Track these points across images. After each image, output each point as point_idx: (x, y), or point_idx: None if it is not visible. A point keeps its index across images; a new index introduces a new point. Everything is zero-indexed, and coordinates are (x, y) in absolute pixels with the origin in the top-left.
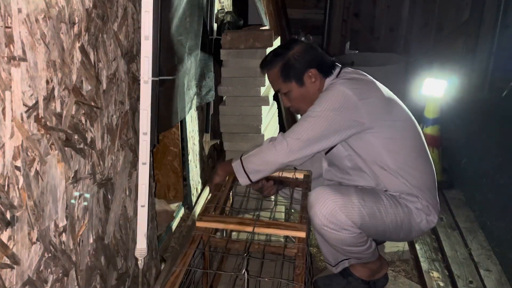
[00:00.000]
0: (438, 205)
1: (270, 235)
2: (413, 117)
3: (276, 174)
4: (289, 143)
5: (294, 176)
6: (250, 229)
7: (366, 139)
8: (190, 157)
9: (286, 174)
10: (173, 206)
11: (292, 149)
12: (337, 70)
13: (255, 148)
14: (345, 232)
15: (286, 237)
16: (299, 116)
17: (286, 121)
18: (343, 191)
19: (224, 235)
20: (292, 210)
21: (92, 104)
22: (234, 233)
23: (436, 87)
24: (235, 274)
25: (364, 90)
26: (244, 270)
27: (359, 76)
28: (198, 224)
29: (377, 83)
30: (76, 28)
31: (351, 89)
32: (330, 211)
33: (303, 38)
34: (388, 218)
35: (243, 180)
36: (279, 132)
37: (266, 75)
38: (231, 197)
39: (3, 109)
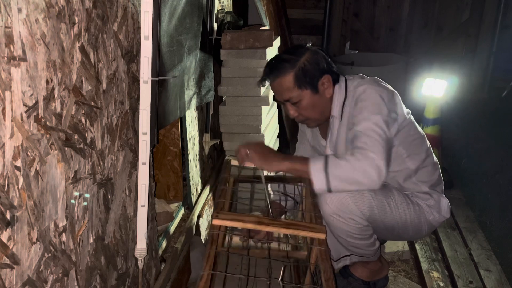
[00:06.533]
0: (447, 200)
1: (279, 235)
2: None
3: None
4: (379, 167)
5: None
6: (269, 229)
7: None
8: (190, 157)
9: None
10: (173, 206)
11: (382, 169)
12: (343, 78)
13: (342, 163)
14: (352, 222)
15: (287, 237)
16: (305, 129)
17: (286, 121)
18: None
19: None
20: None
21: (92, 104)
22: (237, 232)
23: (436, 87)
24: (267, 280)
25: (387, 90)
26: (280, 277)
27: (364, 77)
28: (215, 222)
29: None
30: (76, 28)
31: (379, 89)
32: (340, 199)
33: (309, 44)
34: (398, 214)
35: (321, 189)
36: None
37: (271, 83)
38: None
39: (3, 109)
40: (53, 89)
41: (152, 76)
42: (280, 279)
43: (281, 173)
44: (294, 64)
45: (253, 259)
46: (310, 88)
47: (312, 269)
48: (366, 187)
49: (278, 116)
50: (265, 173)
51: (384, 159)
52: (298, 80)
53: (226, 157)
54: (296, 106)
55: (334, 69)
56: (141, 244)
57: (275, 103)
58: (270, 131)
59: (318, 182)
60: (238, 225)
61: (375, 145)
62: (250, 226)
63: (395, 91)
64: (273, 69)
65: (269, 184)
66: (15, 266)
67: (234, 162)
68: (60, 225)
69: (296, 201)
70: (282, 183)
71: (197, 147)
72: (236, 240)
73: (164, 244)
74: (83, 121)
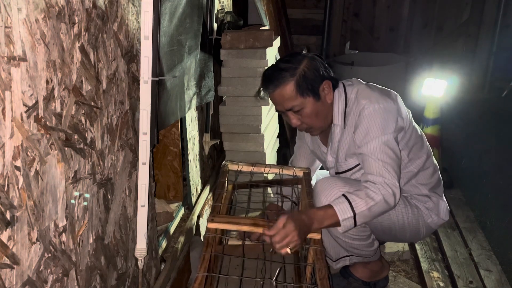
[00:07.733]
0: (446, 203)
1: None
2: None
3: (277, 170)
4: (395, 192)
5: (294, 173)
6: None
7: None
8: (190, 157)
9: (286, 171)
10: (173, 206)
11: (398, 192)
12: (341, 83)
13: (365, 202)
14: None
15: None
16: (304, 133)
17: (286, 122)
18: (350, 182)
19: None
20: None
21: (92, 104)
22: (234, 233)
23: (436, 87)
24: (260, 280)
25: (390, 99)
26: (274, 278)
27: (362, 84)
28: (210, 225)
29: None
30: (76, 28)
31: (384, 101)
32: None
33: (304, 51)
34: (395, 216)
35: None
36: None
37: (270, 94)
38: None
39: (3, 109)
40: (53, 89)
41: (152, 76)
42: (274, 279)
43: (278, 175)
44: (293, 72)
45: (252, 261)
46: (312, 95)
47: (310, 269)
48: (386, 212)
49: (278, 116)
50: (265, 174)
51: (397, 181)
52: (300, 87)
53: (224, 162)
54: (298, 114)
55: (332, 74)
56: (141, 244)
57: None
58: (270, 131)
59: (346, 227)
60: (234, 227)
61: (387, 168)
62: (245, 228)
63: (396, 93)
64: (272, 80)
65: (268, 189)
66: (15, 266)
67: (231, 167)
68: (60, 225)
69: (294, 202)
70: (279, 186)
71: (197, 147)
72: (232, 241)
73: (164, 244)
74: (83, 121)
